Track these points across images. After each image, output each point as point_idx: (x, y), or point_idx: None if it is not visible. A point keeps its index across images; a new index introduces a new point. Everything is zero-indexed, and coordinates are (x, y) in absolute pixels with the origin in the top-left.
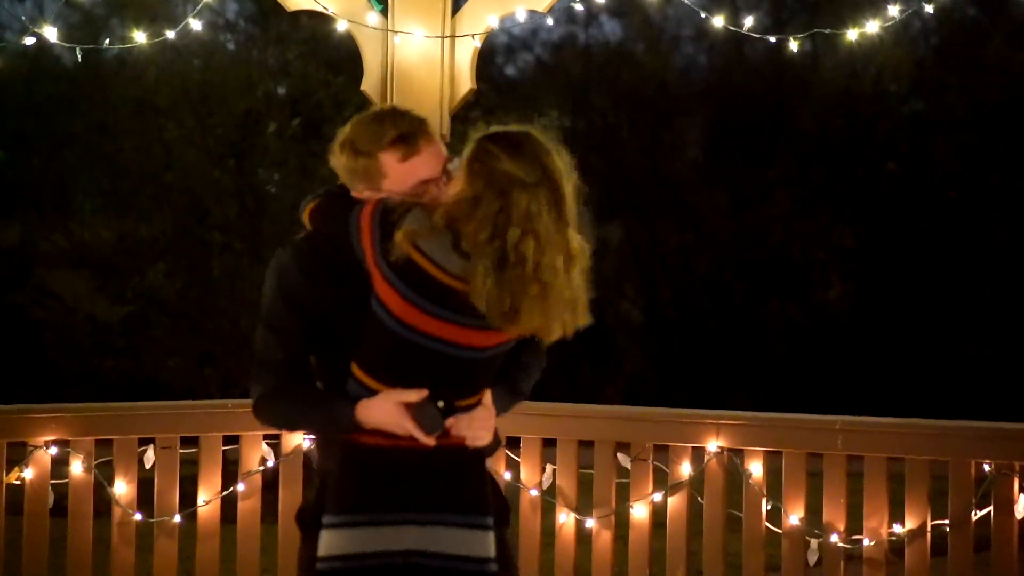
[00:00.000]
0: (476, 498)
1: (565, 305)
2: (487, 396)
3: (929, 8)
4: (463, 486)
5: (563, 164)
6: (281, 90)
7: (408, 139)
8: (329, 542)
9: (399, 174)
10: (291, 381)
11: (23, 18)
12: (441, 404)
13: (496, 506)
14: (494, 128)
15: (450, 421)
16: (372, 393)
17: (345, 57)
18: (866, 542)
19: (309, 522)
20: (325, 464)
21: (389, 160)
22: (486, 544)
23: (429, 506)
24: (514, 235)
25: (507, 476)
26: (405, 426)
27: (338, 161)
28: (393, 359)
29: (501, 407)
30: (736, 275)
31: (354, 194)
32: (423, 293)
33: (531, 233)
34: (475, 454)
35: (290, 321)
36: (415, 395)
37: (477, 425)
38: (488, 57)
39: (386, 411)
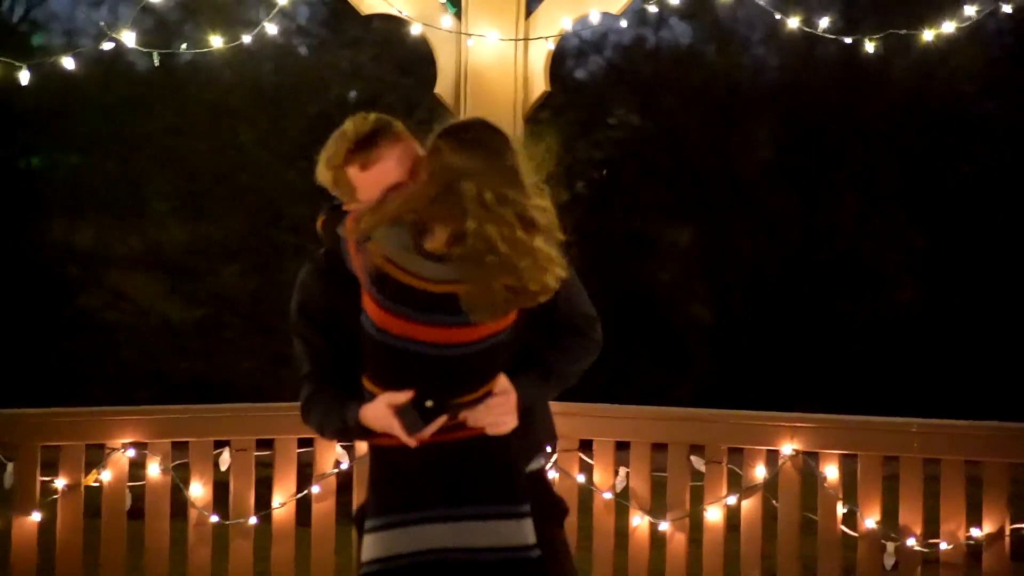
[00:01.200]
0: (501, 487)
1: (536, 274)
2: (501, 382)
3: (1007, 7)
4: (485, 477)
5: (511, 141)
6: (353, 93)
7: (363, 148)
8: (366, 546)
9: (365, 185)
10: (317, 390)
11: (101, 23)
12: (430, 404)
13: (546, 504)
14: (449, 123)
15: (464, 413)
16: (374, 397)
17: (417, 60)
18: (943, 546)
19: (358, 526)
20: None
21: (353, 172)
22: (518, 532)
23: (451, 501)
24: (471, 226)
25: (580, 478)
26: (392, 427)
27: (322, 177)
28: (383, 365)
29: (531, 391)
30: (807, 276)
31: (344, 207)
32: (404, 301)
33: (487, 219)
34: (497, 444)
35: (309, 332)
36: (403, 397)
37: (497, 412)
38: (558, 60)
39: (377, 413)
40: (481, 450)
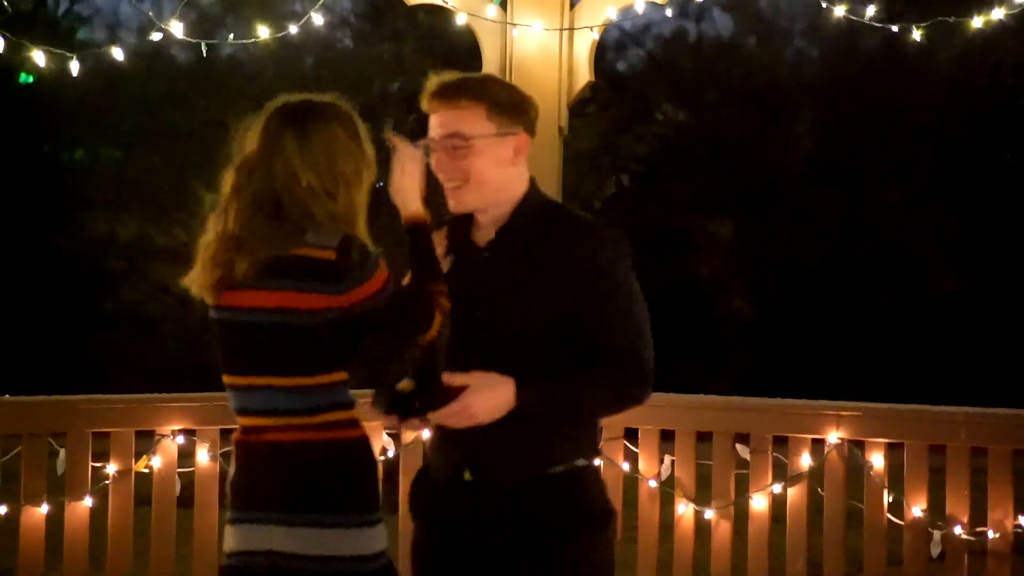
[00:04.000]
0: (340, 495)
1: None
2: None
3: None
4: (325, 483)
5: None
6: (396, 86)
7: None
8: (224, 537)
9: None
10: None
11: (150, 14)
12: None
13: (581, 508)
14: None
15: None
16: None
17: (460, 52)
18: (990, 535)
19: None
20: None
21: None
22: (352, 541)
23: (288, 505)
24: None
25: (625, 467)
26: None
27: None
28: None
29: (531, 397)
30: (848, 269)
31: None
32: None
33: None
34: (342, 448)
35: None
36: None
37: (456, 409)
38: (600, 52)
39: None
40: (320, 453)
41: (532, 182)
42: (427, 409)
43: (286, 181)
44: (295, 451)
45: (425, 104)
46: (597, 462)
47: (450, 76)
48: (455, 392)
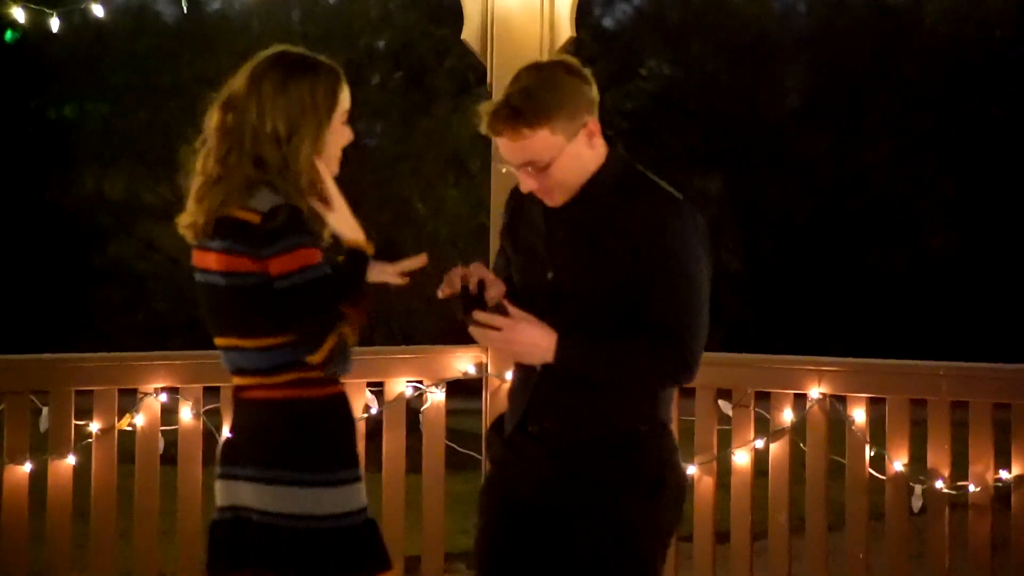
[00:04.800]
0: (311, 452)
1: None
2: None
3: None
4: (297, 440)
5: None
6: (382, 42)
7: None
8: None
9: None
10: None
11: None
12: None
13: (629, 473)
14: None
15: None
16: None
17: (447, 7)
18: (971, 488)
19: None
20: None
21: None
22: (320, 500)
23: (260, 461)
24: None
25: None
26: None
27: None
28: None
29: (568, 349)
30: (837, 223)
31: None
32: None
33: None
34: (315, 404)
35: None
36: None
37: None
38: (584, 8)
39: None
40: (293, 411)
41: (613, 147)
42: (476, 308)
43: (255, 122)
44: (262, 409)
45: (484, 130)
46: (663, 429)
47: (499, 105)
48: (504, 312)
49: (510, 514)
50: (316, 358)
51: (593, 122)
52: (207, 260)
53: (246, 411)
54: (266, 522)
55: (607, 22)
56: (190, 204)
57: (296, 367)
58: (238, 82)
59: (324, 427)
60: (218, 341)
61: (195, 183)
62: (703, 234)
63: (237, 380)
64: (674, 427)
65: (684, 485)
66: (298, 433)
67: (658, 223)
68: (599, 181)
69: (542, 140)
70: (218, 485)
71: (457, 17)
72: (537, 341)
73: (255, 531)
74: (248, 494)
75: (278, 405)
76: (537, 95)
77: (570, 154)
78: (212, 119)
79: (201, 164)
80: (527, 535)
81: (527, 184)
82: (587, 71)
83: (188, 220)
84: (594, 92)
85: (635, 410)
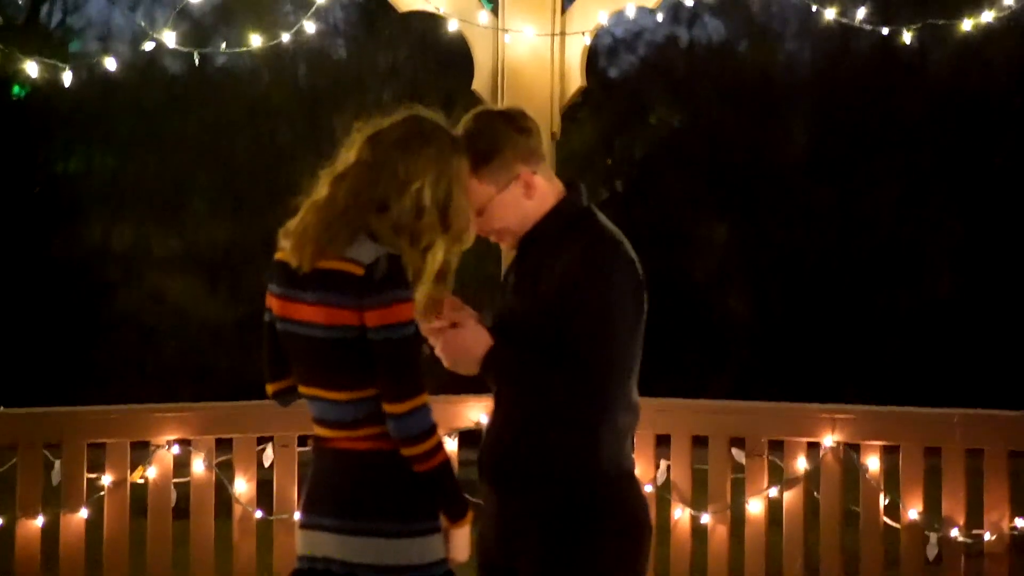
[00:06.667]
0: (389, 502)
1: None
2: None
3: None
4: (373, 490)
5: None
6: (388, 94)
7: None
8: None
9: None
10: None
11: (142, 23)
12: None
13: (580, 518)
14: None
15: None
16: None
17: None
18: (987, 536)
19: None
20: None
21: None
22: (400, 551)
23: (337, 511)
24: None
25: None
26: None
27: None
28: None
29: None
30: (844, 269)
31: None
32: None
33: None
34: (391, 456)
35: None
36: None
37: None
38: (592, 58)
39: None
40: (375, 462)
41: (567, 192)
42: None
43: (403, 175)
44: (344, 459)
45: None
46: (608, 474)
47: None
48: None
49: (485, 549)
50: (398, 409)
51: (528, 173)
52: (301, 311)
53: (328, 461)
54: (347, 572)
55: (613, 72)
56: (297, 229)
57: (379, 420)
58: (393, 132)
59: (404, 478)
60: (303, 390)
61: (314, 204)
62: (629, 273)
63: (319, 431)
64: (687, 474)
65: (635, 531)
66: (379, 484)
67: (580, 262)
68: (543, 227)
69: (472, 187)
70: (299, 535)
71: (467, 68)
72: (464, 344)
73: None
74: (330, 544)
75: (360, 456)
76: (466, 144)
77: (502, 203)
78: (354, 150)
79: (331, 188)
80: None
81: (473, 231)
82: (531, 123)
83: (288, 253)
84: (533, 143)
85: (574, 457)
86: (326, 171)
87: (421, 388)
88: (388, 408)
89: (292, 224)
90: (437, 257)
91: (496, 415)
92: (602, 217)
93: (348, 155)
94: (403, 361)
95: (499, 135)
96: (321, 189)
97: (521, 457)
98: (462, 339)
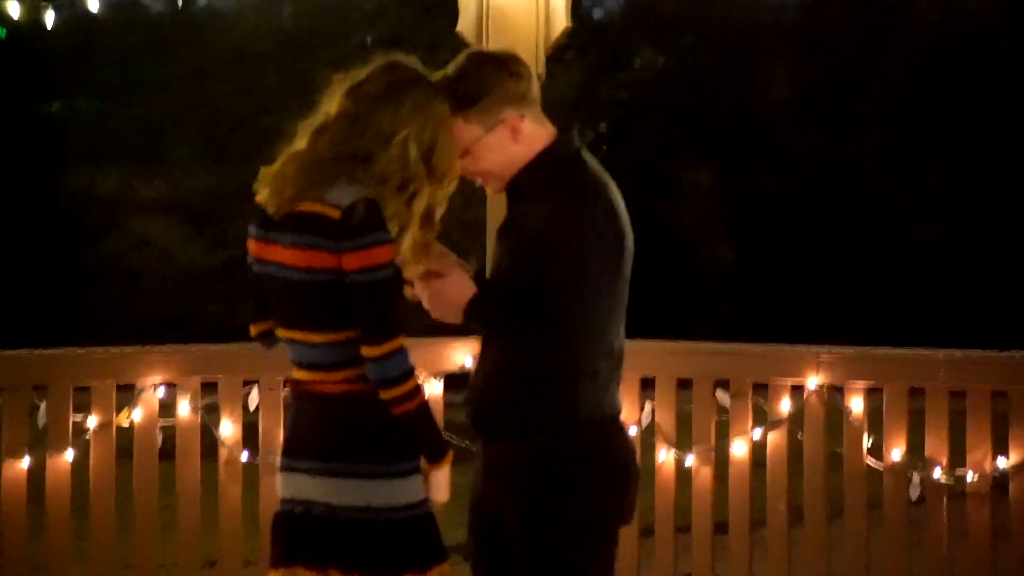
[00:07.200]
0: (369, 444)
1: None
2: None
3: None
4: (354, 432)
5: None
6: (371, 37)
7: None
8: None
9: None
10: None
11: None
12: None
13: (557, 470)
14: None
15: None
16: None
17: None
18: (969, 476)
19: None
20: None
21: None
22: (382, 491)
23: (318, 455)
24: None
25: None
26: None
27: None
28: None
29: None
30: (828, 214)
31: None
32: None
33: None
34: (371, 399)
35: None
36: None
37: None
38: (576, 1)
39: None
40: (354, 404)
41: (556, 138)
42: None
43: (386, 127)
44: (323, 402)
45: None
46: (587, 422)
47: None
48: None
49: (478, 523)
50: (375, 352)
51: (515, 117)
52: (278, 254)
53: (307, 404)
54: (328, 514)
55: (598, 14)
56: (279, 173)
57: (357, 363)
58: (373, 84)
59: (383, 420)
60: (281, 333)
61: (294, 154)
62: (607, 221)
63: (298, 374)
64: (671, 417)
65: (614, 476)
66: (358, 426)
67: (557, 211)
68: (528, 173)
69: (458, 128)
70: (280, 478)
71: (452, 10)
72: (446, 294)
73: (317, 523)
74: (311, 486)
75: (338, 399)
76: (454, 85)
77: (488, 145)
78: (334, 103)
79: (311, 140)
80: (491, 542)
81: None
82: (523, 66)
83: (266, 197)
84: (523, 87)
85: (552, 405)
86: (306, 123)
87: (398, 331)
88: (365, 351)
89: (270, 170)
90: (423, 202)
91: (481, 362)
92: (591, 162)
93: (328, 107)
94: (380, 304)
95: (488, 77)
96: (300, 141)
97: (503, 405)
98: (446, 288)
